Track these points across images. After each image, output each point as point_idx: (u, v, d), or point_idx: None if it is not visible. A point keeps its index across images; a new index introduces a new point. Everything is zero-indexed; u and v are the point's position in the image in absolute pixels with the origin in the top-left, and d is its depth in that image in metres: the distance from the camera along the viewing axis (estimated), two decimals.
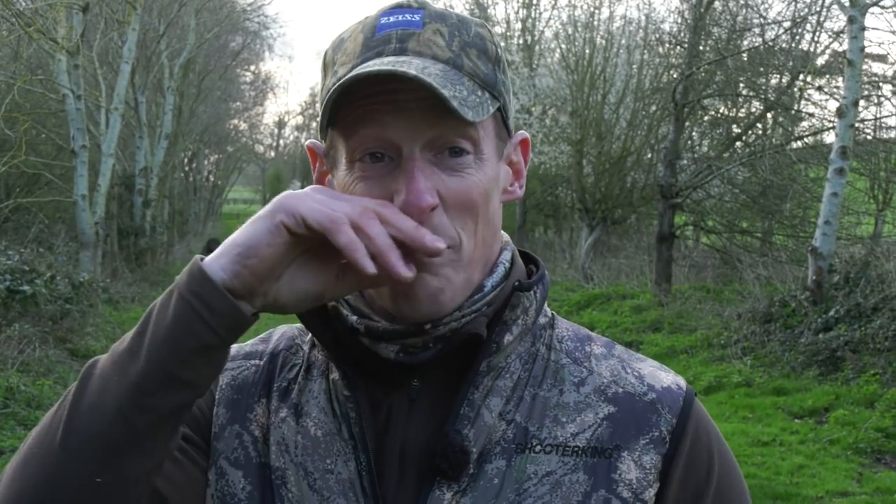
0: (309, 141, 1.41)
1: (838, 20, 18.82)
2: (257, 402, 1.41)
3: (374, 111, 1.24)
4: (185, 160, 46.40)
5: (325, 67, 1.34)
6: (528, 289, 1.35)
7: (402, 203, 1.22)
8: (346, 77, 1.21)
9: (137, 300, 20.76)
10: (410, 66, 1.20)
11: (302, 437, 1.36)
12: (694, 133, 22.55)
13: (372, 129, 1.24)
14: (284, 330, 1.53)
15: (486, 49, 1.30)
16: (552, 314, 1.46)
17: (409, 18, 1.28)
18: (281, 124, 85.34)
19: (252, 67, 54.46)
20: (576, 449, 1.30)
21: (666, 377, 1.39)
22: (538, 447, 1.30)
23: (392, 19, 1.29)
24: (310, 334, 1.47)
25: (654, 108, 24.00)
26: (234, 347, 1.49)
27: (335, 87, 1.21)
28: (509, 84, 1.35)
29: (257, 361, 1.47)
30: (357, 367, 1.34)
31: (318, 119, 1.32)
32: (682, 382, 1.39)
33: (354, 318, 1.34)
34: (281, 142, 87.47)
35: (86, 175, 19.10)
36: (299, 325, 1.51)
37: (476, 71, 1.27)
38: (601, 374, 1.37)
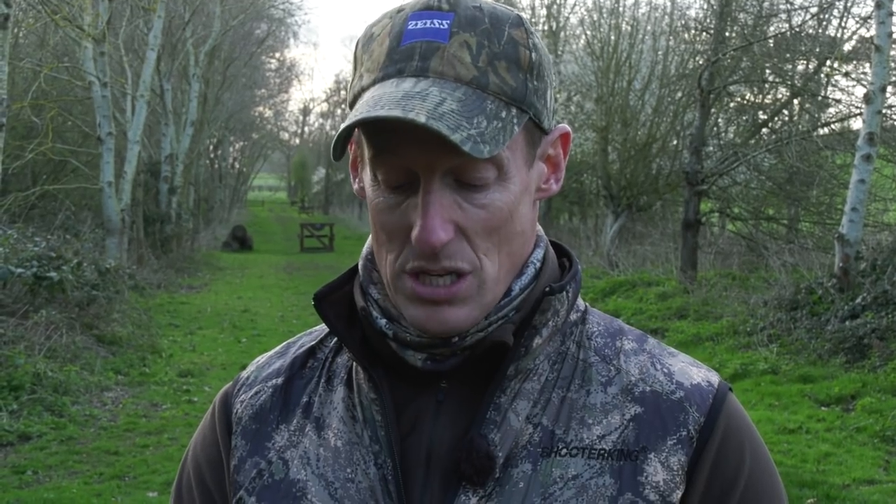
0: None
1: (866, 5, 18.73)
2: (275, 429, 1.40)
3: (393, 139, 1.21)
4: (211, 147, 46.62)
5: (355, 61, 1.31)
6: (560, 291, 1.32)
7: (414, 239, 1.22)
8: (356, 118, 1.18)
9: (163, 286, 20.89)
10: (425, 100, 1.17)
11: (323, 449, 1.35)
12: (720, 119, 22.44)
13: (390, 157, 1.22)
14: (303, 340, 1.51)
15: (518, 57, 1.25)
16: (585, 307, 1.42)
17: (436, 26, 1.23)
18: (306, 111, 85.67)
19: (277, 54, 54.64)
20: (602, 452, 1.28)
21: (697, 373, 1.36)
22: (564, 450, 1.28)
23: (420, 25, 1.24)
24: (331, 342, 1.46)
25: (679, 94, 23.91)
26: (254, 369, 1.49)
27: (344, 127, 1.19)
28: (547, 83, 1.30)
29: (276, 381, 1.45)
30: (384, 368, 1.33)
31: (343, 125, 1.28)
32: (715, 378, 1.36)
33: (384, 321, 1.32)
34: (306, 129, 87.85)
35: (112, 162, 19.23)
36: (318, 331, 1.51)
37: (503, 87, 1.23)
38: (629, 371, 1.34)
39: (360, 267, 1.40)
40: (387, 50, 1.25)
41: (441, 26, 1.23)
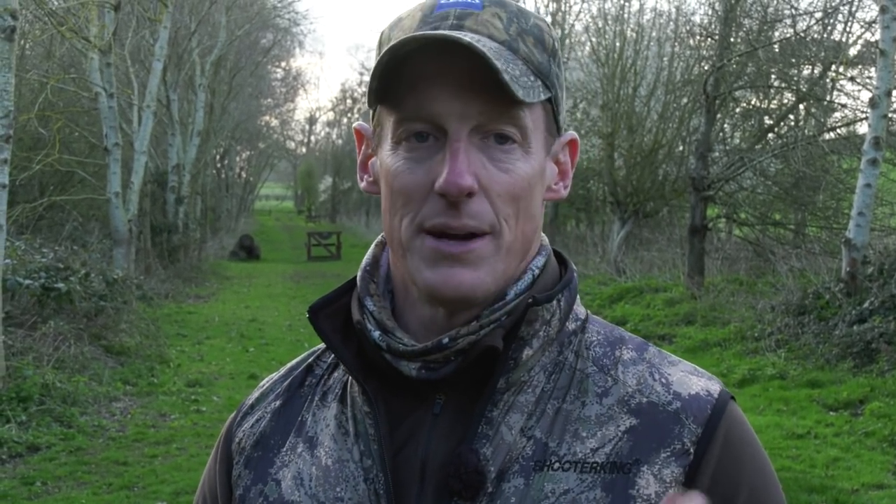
0: (357, 123, 1.40)
1: (870, 10, 18.71)
2: (277, 455, 1.39)
3: (424, 84, 1.23)
4: (217, 157, 46.64)
5: (380, 46, 1.33)
6: (547, 302, 1.30)
7: (442, 182, 1.21)
8: (399, 39, 1.20)
9: (171, 296, 20.91)
10: (465, 37, 1.19)
11: (315, 468, 1.34)
12: (725, 125, 22.43)
13: (421, 102, 1.23)
14: (304, 358, 1.50)
15: (543, 39, 1.30)
16: (586, 315, 1.40)
17: (469, 0, 1.28)
18: (312, 120, 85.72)
19: (283, 64, 54.81)
20: (594, 465, 1.25)
21: (697, 382, 1.32)
22: (556, 464, 1.25)
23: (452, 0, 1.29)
24: (328, 358, 1.45)
25: (685, 100, 23.90)
26: (258, 395, 1.49)
27: (385, 51, 1.20)
28: (563, 80, 1.34)
29: (274, 404, 1.45)
30: (381, 382, 1.32)
31: (367, 94, 1.30)
32: (715, 387, 1.33)
33: (377, 333, 1.31)
34: (312, 138, 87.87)
35: (119, 172, 19.24)
36: (320, 348, 1.49)
37: (531, 57, 1.27)
38: (626, 382, 1.31)
39: (358, 278, 1.39)
40: (420, 17, 1.29)
41: (474, 0, 1.28)
